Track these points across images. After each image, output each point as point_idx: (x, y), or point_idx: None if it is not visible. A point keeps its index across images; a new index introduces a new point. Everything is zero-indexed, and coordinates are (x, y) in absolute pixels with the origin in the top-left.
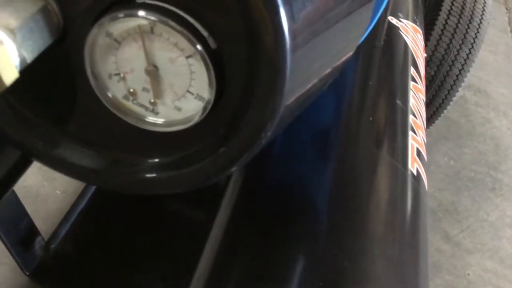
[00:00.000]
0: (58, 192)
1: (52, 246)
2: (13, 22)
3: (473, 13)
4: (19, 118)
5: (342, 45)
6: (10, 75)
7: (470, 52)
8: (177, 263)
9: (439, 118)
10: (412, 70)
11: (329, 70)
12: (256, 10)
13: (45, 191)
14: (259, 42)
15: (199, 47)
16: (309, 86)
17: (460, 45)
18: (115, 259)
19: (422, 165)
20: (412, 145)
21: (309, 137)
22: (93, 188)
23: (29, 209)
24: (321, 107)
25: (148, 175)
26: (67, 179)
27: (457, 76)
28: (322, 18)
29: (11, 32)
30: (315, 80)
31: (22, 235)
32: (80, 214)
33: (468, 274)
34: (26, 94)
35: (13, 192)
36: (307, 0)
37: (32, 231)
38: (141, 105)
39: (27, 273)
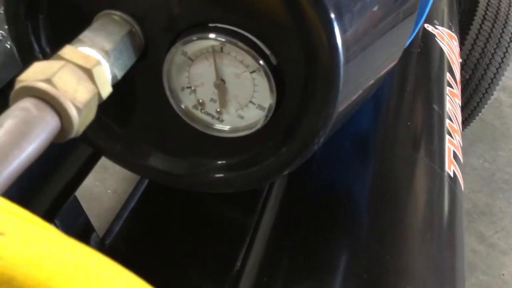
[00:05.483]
0: (109, 191)
1: (107, 242)
2: (107, 45)
3: (507, 17)
4: (102, 126)
5: (387, 55)
6: (106, 90)
7: (504, 56)
8: (221, 260)
9: (473, 120)
10: (448, 75)
11: (375, 79)
12: (313, 32)
13: (97, 190)
14: (315, 59)
15: (262, 63)
16: (357, 95)
17: (494, 49)
18: (164, 255)
19: (459, 167)
20: (449, 148)
21: (350, 141)
22: (142, 188)
23: (84, 207)
24: (361, 113)
25: (216, 175)
26: (117, 179)
27: (491, 79)
28: (369, 33)
29: (106, 53)
30: (363, 89)
31: (79, 232)
32: (131, 212)
33: (503, 274)
34: (109, 105)
35: None
36: (357, 18)
37: (88, 228)
38: (208, 114)
39: None
